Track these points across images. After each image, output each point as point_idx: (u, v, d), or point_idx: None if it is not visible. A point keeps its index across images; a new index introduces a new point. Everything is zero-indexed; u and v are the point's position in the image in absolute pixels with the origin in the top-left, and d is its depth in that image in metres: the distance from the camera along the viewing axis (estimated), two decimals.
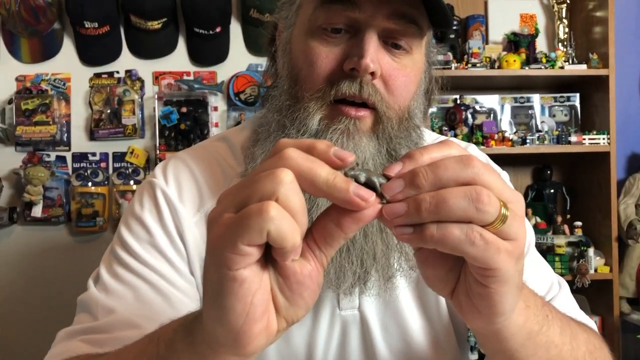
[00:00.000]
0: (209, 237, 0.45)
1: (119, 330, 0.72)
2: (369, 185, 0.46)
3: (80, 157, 2.38)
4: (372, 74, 0.74)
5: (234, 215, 0.43)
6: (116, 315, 0.75)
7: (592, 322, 0.86)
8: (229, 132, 0.96)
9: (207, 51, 2.41)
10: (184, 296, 0.79)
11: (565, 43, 2.55)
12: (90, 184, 2.35)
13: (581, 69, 2.41)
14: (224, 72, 2.43)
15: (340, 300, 0.83)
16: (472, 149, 0.98)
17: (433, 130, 2.38)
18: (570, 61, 2.46)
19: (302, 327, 0.83)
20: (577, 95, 2.57)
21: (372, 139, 0.77)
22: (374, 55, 0.73)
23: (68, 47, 2.39)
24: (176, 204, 0.84)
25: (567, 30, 2.56)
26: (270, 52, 0.90)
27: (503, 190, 0.47)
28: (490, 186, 0.46)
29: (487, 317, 0.51)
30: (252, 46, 2.43)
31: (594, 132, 2.40)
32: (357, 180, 0.45)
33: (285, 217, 0.42)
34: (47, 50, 2.38)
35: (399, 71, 0.77)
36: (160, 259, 0.81)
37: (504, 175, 0.95)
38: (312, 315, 0.83)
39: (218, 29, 2.36)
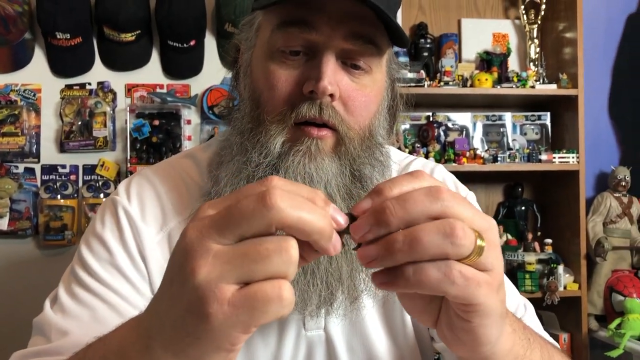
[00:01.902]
0: (204, 309, 0.41)
1: (71, 352, 0.70)
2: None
3: (49, 169, 2.34)
4: (331, 95, 0.74)
5: (241, 292, 0.41)
6: (70, 337, 0.73)
7: (556, 344, 0.87)
8: (195, 149, 0.95)
9: (181, 64, 2.40)
10: None
11: (536, 63, 2.59)
12: (59, 196, 2.31)
13: (551, 88, 2.45)
14: (197, 85, 2.42)
15: (306, 321, 0.82)
16: (439, 169, 0.98)
17: (406, 147, 2.41)
18: (541, 81, 2.51)
19: (267, 347, 0.82)
20: (548, 114, 2.62)
21: (334, 159, 0.77)
22: (332, 77, 0.73)
23: (39, 58, 2.35)
24: (138, 222, 0.82)
25: (538, 50, 2.61)
26: (234, 73, 0.89)
27: (475, 219, 0.46)
28: (462, 217, 0.45)
29: (472, 347, 0.51)
30: (227, 60, 2.42)
31: (564, 151, 2.44)
32: None
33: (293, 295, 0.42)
34: (17, 60, 2.34)
35: (358, 92, 0.77)
36: (120, 279, 0.79)
37: (471, 195, 0.96)
38: (278, 335, 0.82)
39: (192, 42, 2.35)
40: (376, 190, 0.46)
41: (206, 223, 0.42)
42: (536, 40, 2.62)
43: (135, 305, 0.78)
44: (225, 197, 0.45)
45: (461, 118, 2.58)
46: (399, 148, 2.37)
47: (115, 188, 1.04)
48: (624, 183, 2.52)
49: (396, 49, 2.53)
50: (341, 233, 0.46)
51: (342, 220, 0.45)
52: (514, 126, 2.62)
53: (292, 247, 0.41)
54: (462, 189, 0.95)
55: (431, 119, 2.53)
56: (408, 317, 0.87)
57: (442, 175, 0.95)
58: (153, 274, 0.80)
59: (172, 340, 0.44)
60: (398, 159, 0.97)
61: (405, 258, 0.44)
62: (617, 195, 2.53)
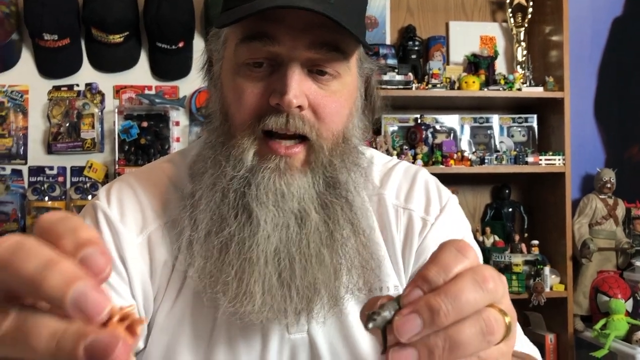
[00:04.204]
0: None
1: None
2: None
3: (37, 170, 2.33)
4: (299, 107, 0.74)
5: None
6: None
7: (536, 351, 0.88)
8: (175, 154, 0.95)
9: (170, 66, 2.40)
10: None
11: (523, 65, 2.61)
12: (47, 198, 2.30)
13: (538, 91, 2.48)
14: (186, 87, 2.42)
15: (289, 325, 0.83)
16: (423, 172, 0.98)
17: (394, 149, 2.42)
18: (528, 83, 2.53)
19: (251, 351, 0.82)
20: (535, 116, 2.64)
21: (306, 173, 0.77)
22: (297, 89, 0.73)
23: (26, 59, 2.35)
24: (118, 226, 0.82)
25: (525, 53, 2.63)
26: (208, 83, 0.89)
27: (505, 295, 0.45)
28: (502, 298, 0.44)
29: None
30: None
31: (550, 153, 2.46)
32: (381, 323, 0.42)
33: None
34: (4, 61, 2.33)
35: (328, 98, 0.77)
36: None
37: (452, 199, 0.96)
38: (261, 339, 0.82)
39: (181, 44, 2.35)
40: (423, 278, 0.43)
41: None
42: (523, 43, 2.64)
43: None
44: None
45: (449, 120, 2.60)
46: (387, 150, 2.38)
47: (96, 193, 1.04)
48: (609, 185, 2.54)
49: (384, 50, 2.53)
50: (387, 324, 0.42)
51: (101, 263, 0.35)
52: (501, 128, 2.64)
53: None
54: (445, 192, 0.96)
55: (419, 121, 2.54)
56: None
57: (424, 179, 0.96)
58: (133, 276, 0.80)
59: None
60: (381, 162, 0.97)
61: None
62: (602, 197, 2.55)
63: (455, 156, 2.43)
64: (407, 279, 0.87)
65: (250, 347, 0.82)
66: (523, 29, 2.64)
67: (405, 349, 0.41)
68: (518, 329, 0.91)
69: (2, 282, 0.34)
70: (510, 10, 2.65)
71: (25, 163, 2.33)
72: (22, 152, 2.33)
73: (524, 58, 2.63)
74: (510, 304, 0.46)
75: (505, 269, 2.41)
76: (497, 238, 2.55)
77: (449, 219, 0.91)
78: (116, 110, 2.35)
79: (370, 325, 0.42)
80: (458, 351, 0.41)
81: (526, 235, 2.60)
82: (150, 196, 0.86)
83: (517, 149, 2.56)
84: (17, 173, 2.32)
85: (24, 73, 2.35)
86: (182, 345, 0.80)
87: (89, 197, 2.31)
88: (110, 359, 0.33)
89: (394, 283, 0.87)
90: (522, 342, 0.86)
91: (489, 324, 0.42)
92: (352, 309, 0.84)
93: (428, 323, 0.41)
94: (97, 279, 0.34)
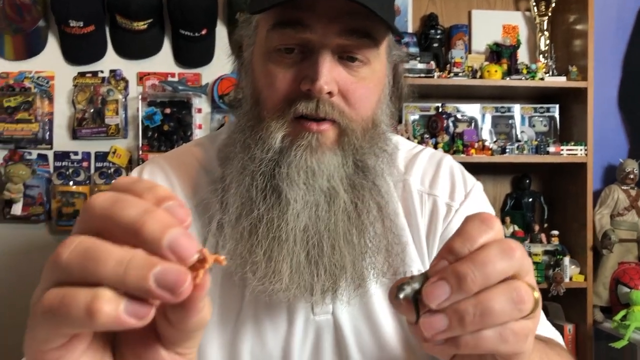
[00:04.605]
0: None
1: None
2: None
3: (62, 155, 2.37)
4: (329, 93, 0.75)
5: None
6: None
7: (558, 335, 0.88)
8: (204, 138, 0.97)
9: (192, 53, 2.42)
10: None
11: (546, 55, 2.59)
12: (71, 183, 2.34)
13: (561, 80, 2.45)
14: (208, 74, 2.44)
15: (314, 306, 0.84)
16: (448, 159, 0.99)
17: (414, 138, 2.43)
18: (551, 73, 2.51)
19: (277, 332, 0.84)
20: (557, 106, 2.62)
21: (336, 152, 0.78)
22: (328, 76, 0.74)
23: (52, 46, 2.38)
24: None
25: (548, 42, 2.61)
26: (237, 68, 0.91)
27: (530, 270, 0.45)
28: (528, 274, 0.44)
29: None
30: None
31: (572, 143, 2.44)
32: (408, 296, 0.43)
33: None
34: (31, 47, 2.37)
35: (357, 84, 0.78)
36: None
37: (478, 186, 0.97)
38: (287, 320, 0.84)
39: (204, 31, 2.37)
40: (449, 249, 0.44)
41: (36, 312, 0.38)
42: (546, 33, 2.61)
43: None
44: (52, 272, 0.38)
45: (470, 109, 2.59)
46: (408, 139, 2.38)
47: (127, 175, 1.07)
48: (632, 176, 2.52)
49: (406, 38, 2.52)
50: (415, 295, 0.43)
51: (182, 214, 0.38)
52: (523, 118, 2.63)
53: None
54: (470, 179, 0.97)
55: (440, 110, 2.54)
56: None
57: (449, 165, 0.97)
58: None
59: None
60: (406, 148, 0.98)
61: (473, 329, 0.42)
62: (625, 188, 2.53)
63: (476, 145, 2.42)
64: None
65: (276, 329, 0.84)
66: (546, 17, 2.61)
67: (436, 315, 0.42)
68: (541, 313, 0.92)
69: (103, 228, 0.37)
70: None
71: (51, 148, 2.37)
72: (47, 137, 2.37)
73: (546, 47, 2.60)
74: (534, 281, 0.47)
75: None
76: (516, 228, 2.54)
77: (474, 205, 0.92)
78: (140, 96, 2.38)
79: (401, 295, 0.43)
80: (489, 318, 0.42)
81: (546, 225, 2.59)
82: (181, 179, 0.88)
83: (539, 139, 2.55)
84: (43, 158, 2.37)
85: (50, 59, 2.38)
86: (209, 325, 0.82)
87: (113, 182, 2.35)
88: (179, 291, 0.34)
89: (418, 267, 0.88)
90: (544, 327, 0.87)
91: (519, 292, 0.43)
92: (376, 292, 0.86)
93: (456, 289, 0.42)
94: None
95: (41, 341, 0.37)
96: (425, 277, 0.43)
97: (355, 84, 0.78)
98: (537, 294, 0.45)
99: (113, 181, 0.37)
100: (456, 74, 2.41)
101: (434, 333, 0.43)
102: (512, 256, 0.43)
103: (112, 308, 0.34)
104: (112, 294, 0.34)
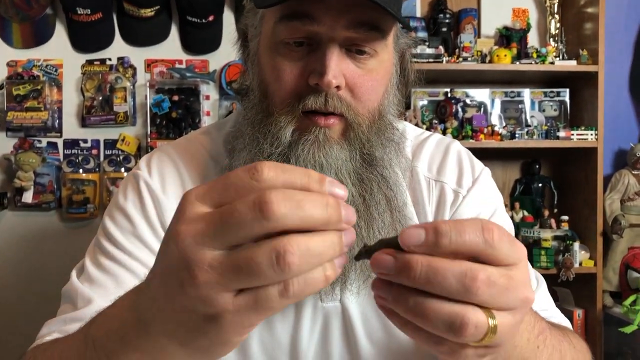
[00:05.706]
0: (209, 312, 0.41)
1: None
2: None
3: (71, 143, 2.39)
4: (337, 87, 0.75)
5: (245, 296, 0.41)
6: (94, 304, 0.76)
7: (567, 320, 0.88)
8: (212, 126, 0.97)
9: (200, 40, 2.42)
10: None
11: (556, 38, 2.56)
12: (81, 170, 2.36)
13: (571, 64, 2.43)
14: (216, 61, 2.44)
15: (322, 293, 0.85)
16: (455, 145, 0.99)
17: (423, 123, 2.41)
18: (561, 57, 2.48)
19: (285, 319, 0.85)
20: (567, 90, 2.59)
21: (343, 146, 0.78)
22: (336, 69, 0.74)
23: (60, 33, 2.39)
24: (159, 195, 0.85)
25: (558, 25, 2.58)
26: (243, 57, 0.90)
27: (508, 255, 0.44)
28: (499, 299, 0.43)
29: None
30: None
31: (583, 128, 2.42)
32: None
33: None
34: (39, 35, 2.37)
35: (365, 77, 0.78)
36: (142, 249, 0.83)
37: (486, 171, 0.96)
38: (295, 307, 0.85)
39: (211, 18, 2.36)
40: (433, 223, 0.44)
41: (199, 229, 0.40)
42: (557, 16, 2.58)
43: None
44: (214, 186, 0.42)
45: (479, 94, 2.57)
46: (417, 124, 2.37)
47: (136, 163, 1.07)
48: None
49: (414, 23, 2.49)
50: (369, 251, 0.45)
51: (341, 192, 0.43)
52: (533, 103, 2.61)
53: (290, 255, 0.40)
54: (477, 165, 0.96)
55: (449, 95, 2.52)
56: None
57: (457, 151, 0.96)
58: None
59: (176, 333, 0.45)
60: (413, 135, 0.98)
61: (413, 284, 0.42)
62: (635, 172, 2.51)
63: (485, 130, 2.40)
64: None
65: (284, 316, 0.84)
66: (557, 0, 2.58)
67: (386, 256, 0.43)
68: (550, 301, 0.91)
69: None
70: None
71: (61, 136, 2.39)
72: (57, 125, 2.38)
73: (557, 31, 2.57)
74: (526, 270, 0.46)
75: (534, 244, 2.40)
76: (526, 213, 2.53)
77: (482, 192, 0.92)
78: (148, 84, 2.38)
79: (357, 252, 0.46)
80: (434, 285, 0.42)
81: (556, 210, 2.58)
82: (189, 167, 0.88)
83: (549, 124, 2.52)
84: (53, 145, 2.38)
85: (58, 47, 2.38)
86: None
87: (122, 169, 2.36)
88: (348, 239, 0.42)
89: None
90: (553, 313, 0.87)
91: (473, 284, 0.42)
92: None
93: (431, 240, 0.42)
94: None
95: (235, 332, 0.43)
96: (380, 241, 0.45)
97: (362, 76, 0.78)
98: (493, 321, 0.43)
99: (264, 175, 0.38)
100: (465, 59, 2.39)
101: (379, 270, 0.43)
102: (489, 237, 0.43)
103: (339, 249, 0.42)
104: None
